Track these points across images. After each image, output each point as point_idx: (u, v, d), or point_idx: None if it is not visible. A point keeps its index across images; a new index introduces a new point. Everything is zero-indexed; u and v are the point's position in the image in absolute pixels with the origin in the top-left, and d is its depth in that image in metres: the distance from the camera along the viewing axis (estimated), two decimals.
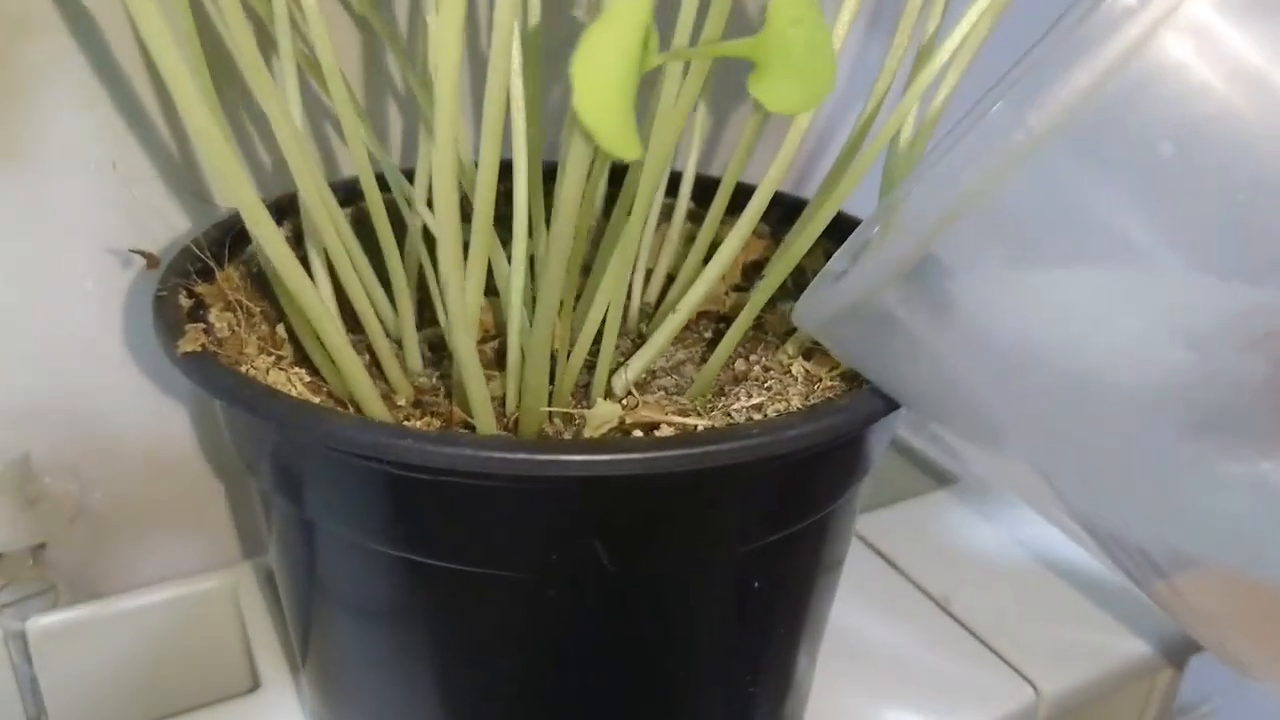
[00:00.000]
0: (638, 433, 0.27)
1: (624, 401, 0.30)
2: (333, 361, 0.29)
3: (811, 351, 0.31)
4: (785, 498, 0.28)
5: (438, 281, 0.34)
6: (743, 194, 0.33)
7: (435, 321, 0.35)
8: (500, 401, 0.29)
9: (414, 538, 0.27)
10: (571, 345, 0.29)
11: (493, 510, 0.25)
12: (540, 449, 0.23)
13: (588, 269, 0.31)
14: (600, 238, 0.32)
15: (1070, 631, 0.42)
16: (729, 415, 0.28)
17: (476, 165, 0.23)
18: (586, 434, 0.28)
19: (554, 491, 0.25)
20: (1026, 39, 0.27)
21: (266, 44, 0.30)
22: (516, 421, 0.28)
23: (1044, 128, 0.20)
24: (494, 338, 0.33)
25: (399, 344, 0.32)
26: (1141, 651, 0.42)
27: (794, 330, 0.32)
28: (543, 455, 0.22)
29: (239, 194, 0.22)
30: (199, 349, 0.27)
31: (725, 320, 0.36)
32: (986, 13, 0.28)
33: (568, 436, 0.28)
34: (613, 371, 0.31)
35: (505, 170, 0.26)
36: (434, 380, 0.32)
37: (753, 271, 0.38)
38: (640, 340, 0.35)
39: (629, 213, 0.27)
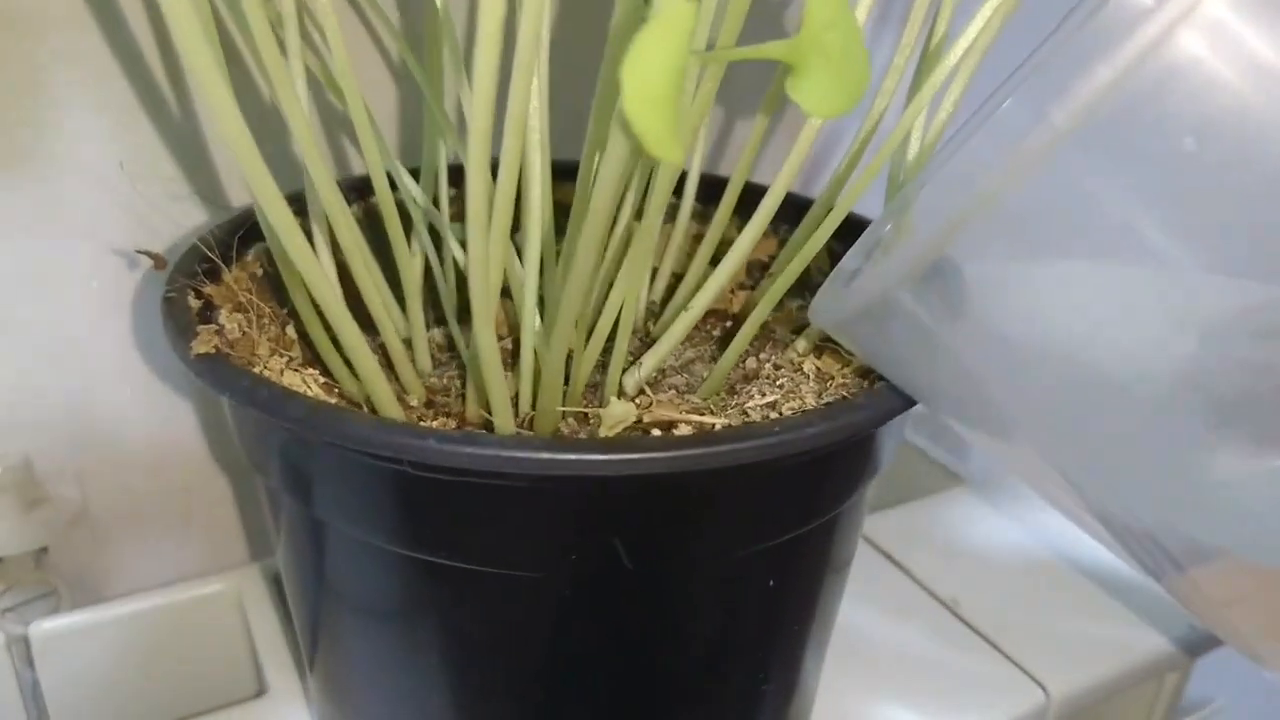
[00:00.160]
0: (656, 431, 0.27)
1: (637, 400, 0.30)
2: (345, 362, 0.29)
3: (822, 349, 0.31)
4: (802, 496, 0.28)
5: (445, 280, 0.34)
6: (749, 193, 0.33)
7: (439, 321, 0.35)
8: (513, 401, 0.29)
9: (431, 538, 0.27)
10: (585, 345, 0.29)
11: (513, 510, 0.25)
12: (566, 448, 0.23)
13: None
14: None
15: (1079, 632, 0.42)
16: (744, 414, 0.28)
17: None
18: (602, 433, 0.28)
19: (577, 491, 0.25)
20: (1029, 38, 0.27)
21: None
22: (531, 420, 0.28)
23: (1067, 124, 0.20)
24: (502, 338, 0.33)
25: (407, 344, 0.32)
26: (1150, 652, 0.42)
27: (803, 327, 0.32)
28: (569, 455, 0.22)
29: (264, 195, 0.22)
30: (212, 350, 0.27)
31: (731, 318, 0.36)
32: (997, 13, 0.28)
33: (583, 435, 0.28)
34: (624, 370, 0.31)
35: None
36: (444, 380, 0.32)
37: (757, 270, 0.38)
38: (647, 339, 0.35)
39: (637, 213, 0.27)
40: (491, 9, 0.19)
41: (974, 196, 0.22)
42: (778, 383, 0.30)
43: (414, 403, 0.30)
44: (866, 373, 0.30)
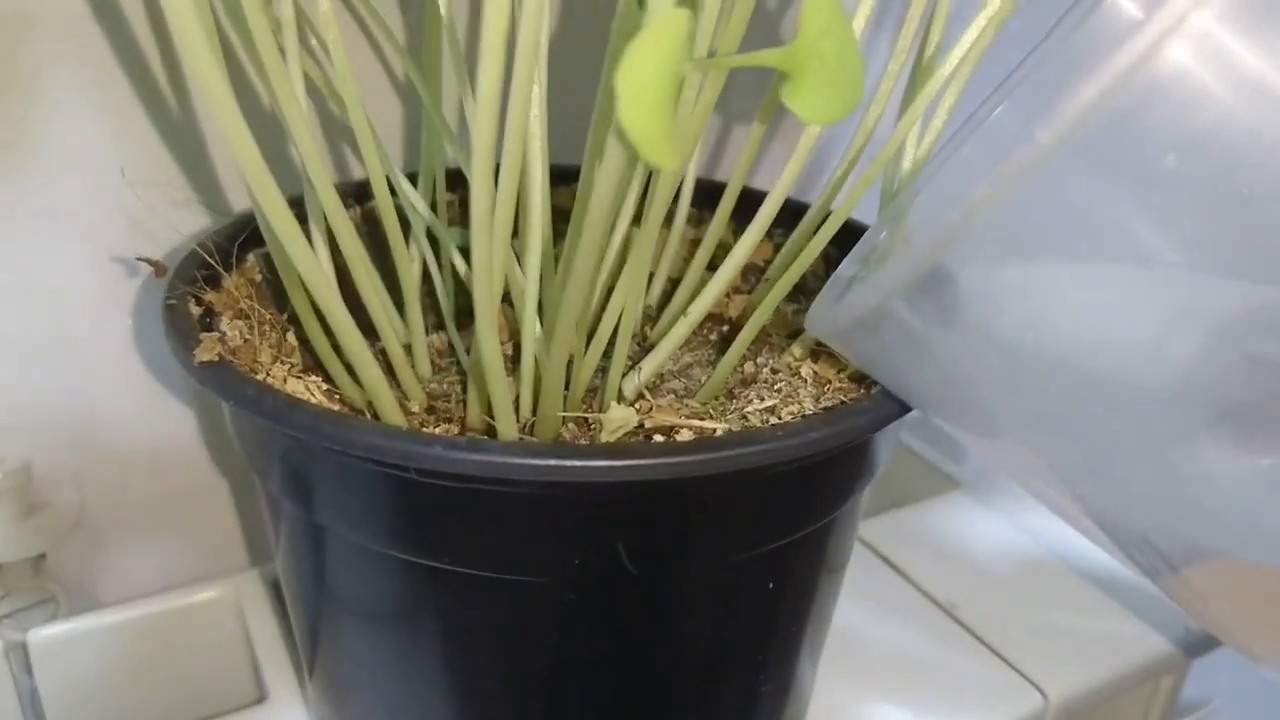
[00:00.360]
0: (658, 437, 0.27)
1: (637, 405, 0.30)
2: (347, 369, 0.30)
3: (818, 353, 0.32)
4: (802, 499, 0.28)
5: (443, 285, 0.35)
6: (745, 198, 0.34)
7: (436, 326, 0.35)
8: (513, 405, 0.30)
9: (435, 544, 0.27)
10: (585, 350, 0.29)
11: (518, 515, 0.25)
12: (573, 455, 0.23)
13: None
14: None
15: (1076, 635, 0.43)
16: (744, 418, 0.28)
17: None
18: (603, 438, 0.28)
19: (582, 497, 0.25)
20: (1025, 41, 0.27)
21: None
22: (532, 426, 0.28)
23: (1052, 143, 0.20)
24: (502, 343, 0.34)
25: (406, 349, 0.33)
26: (1147, 654, 0.42)
27: (799, 331, 0.33)
28: (577, 461, 0.23)
29: (266, 197, 0.23)
30: (216, 358, 0.27)
31: (728, 322, 0.36)
32: (991, 22, 0.29)
33: (584, 440, 0.28)
34: (623, 375, 0.31)
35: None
36: (444, 386, 0.32)
37: (753, 274, 0.38)
38: (644, 343, 0.35)
39: (636, 218, 0.28)
40: (495, 23, 0.19)
41: (965, 207, 0.22)
42: (775, 387, 0.31)
43: (415, 408, 0.30)
44: (862, 377, 0.30)
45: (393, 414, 0.28)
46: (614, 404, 0.29)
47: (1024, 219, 0.22)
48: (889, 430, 0.29)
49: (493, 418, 0.29)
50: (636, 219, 0.33)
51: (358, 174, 0.41)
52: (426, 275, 0.34)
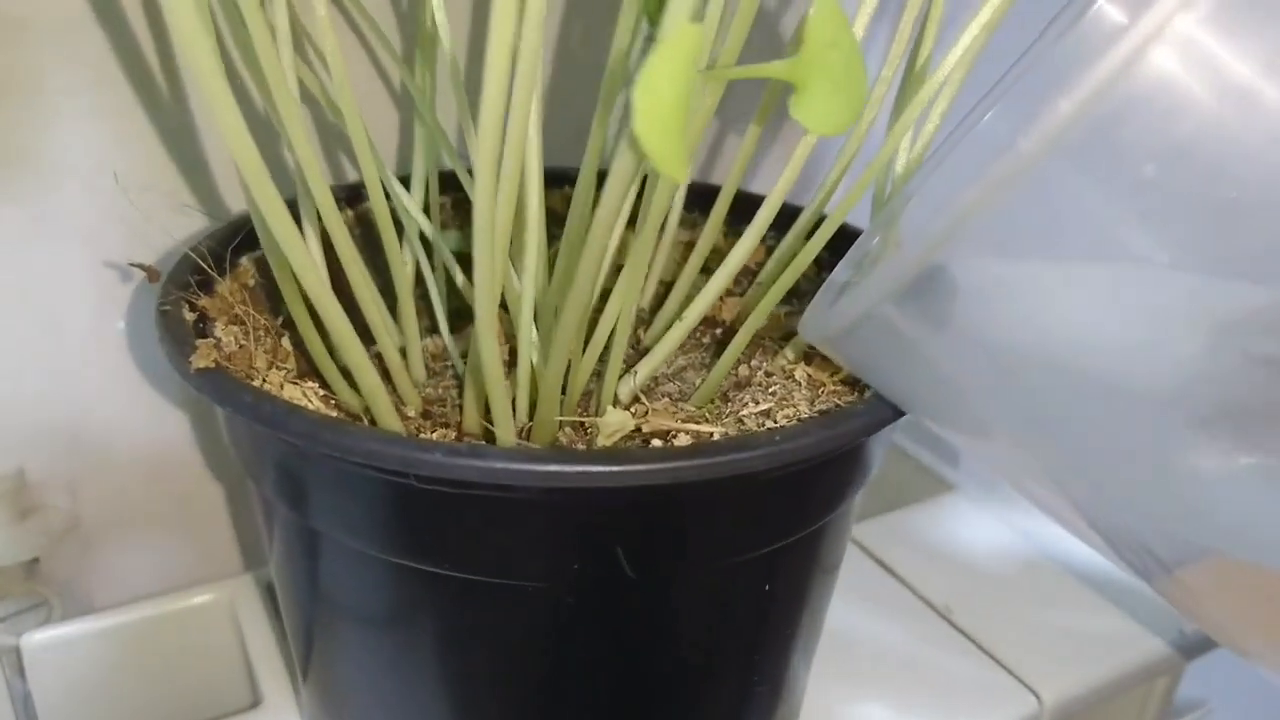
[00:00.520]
0: (656, 441, 0.27)
1: (633, 409, 0.30)
2: (343, 373, 0.30)
3: (811, 356, 0.32)
4: (799, 502, 0.28)
5: (436, 288, 0.35)
6: (737, 202, 0.34)
7: (428, 330, 0.35)
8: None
9: (433, 549, 0.27)
10: (581, 354, 0.29)
11: (517, 521, 0.26)
12: (575, 460, 0.23)
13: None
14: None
15: (1071, 637, 0.43)
16: (740, 421, 0.29)
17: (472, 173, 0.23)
18: (600, 442, 0.28)
19: (582, 502, 0.25)
20: (1022, 43, 0.27)
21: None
22: (529, 430, 0.28)
23: (1033, 152, 0.21)
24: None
25: (401, 353, 0.33)
26: (1142, 656, 0.42)
27: (792, 334, 0.33)
28: (579, 467, 0.23)
29: (265, 199, 0.23)
30: (212, 365, 0.27)
31: (720, 325, 0.36)
32: (984, 30, 0.29)
33: (581, 445, 0.29)
34: (618, 379, 0.31)
35: None
36: (440, 390, 0.32)
37: (744, 276, 0.38)
38: (637, 346, 0.35)
39: (630, 220, 0.28)
40: (501, 38, 0.19)
41: (951, 215, 0.22)
42: (770, 390, 0.31)
43: (411, 413, 0.30)
44: (856, 379, 0.30)
45: (390, 419, 0.28)
46: (610, 408, 0.29)
47: (1012, 224, 0.22)
48: (883, 433, 0.29)
49: (489, 422, 0.29)
50: (631, 222, 0.33)
51: (348, 177, 0.41)
52: (417, 279, 0.34)
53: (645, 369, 0.31)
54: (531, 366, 0.28)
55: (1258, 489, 0.23)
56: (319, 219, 0.30)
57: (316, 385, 0.30)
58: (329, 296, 0.25)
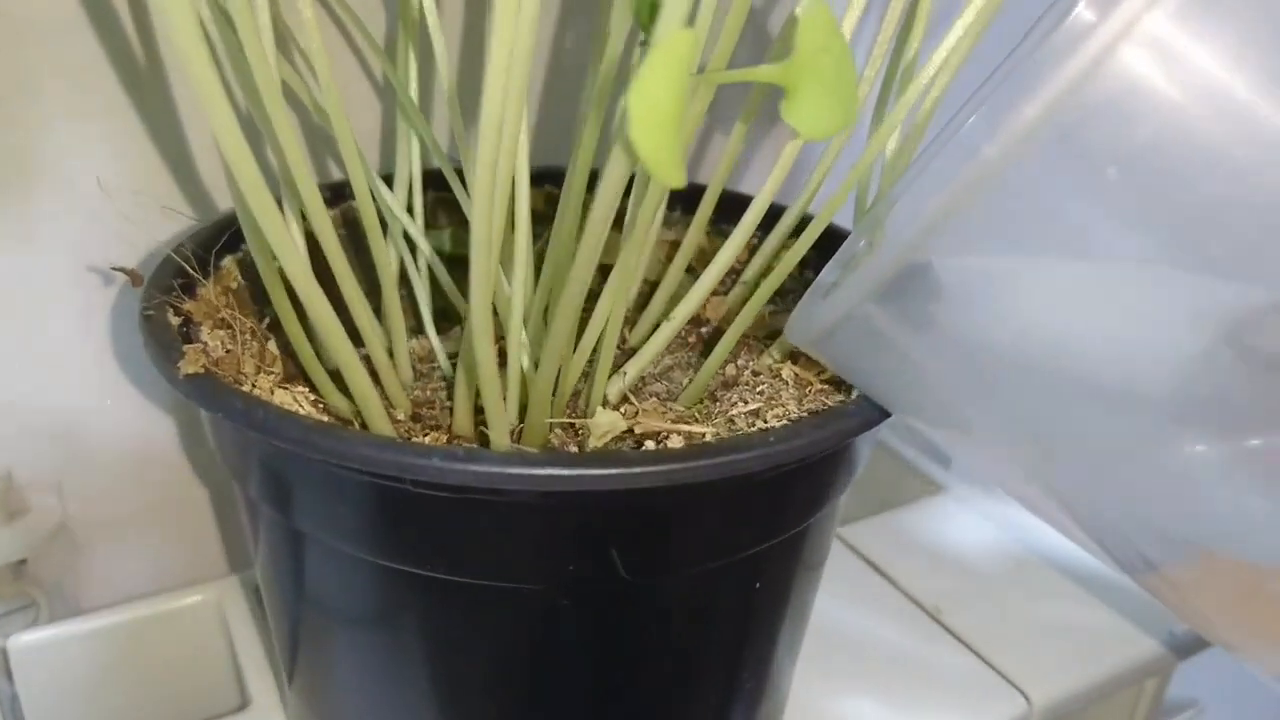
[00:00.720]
0: (649, 443, 0.27)
1: (622, 409, 0.30)
2: (331, 378, 0.29)
3: (798, 354, 0.32)
4: (789, 501, 0.28)
5: (420, 289, 0.35)
6: (721, 202, 0.34)
7: (413, 331, 0.35)
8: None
9: (425, 553, 0.27)
10: (571, 355, 0.29)
11: (512, 524, 0.26)
12: (572, 463, 0.23)
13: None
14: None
15: (1061, 638, 0.43)
16: (731, 422, 0.29)
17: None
18: (591, 444, 0.28)
19: (579, 504, 0.25)
20: (1010, 43, 0.28)
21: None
22: (519, 432, 0.28)
23: (998, 158, 0.21)
24: None
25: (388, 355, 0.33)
26: (1132, 657, 0.42)
27: (777, 332, 0.33)
28: (576, 470, 0.23)
29: (259, 204, 0.22)
30: (201, 370, 0.27)
31: (705, 324, 0.37)
32: (968, 33, 0.29)
33: (572, 447, 0.29)
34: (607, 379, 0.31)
35: None
36: (428, 392, 0.32)
37: (728, 275, 0.39)
38: (624, 346, 0.35)
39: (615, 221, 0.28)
40: (502, 43, 0.20)
41: (927, 216, 0.23)
42: (758, 389, 0.31)
43: (400, 416, 0.30)
44: (842, 379, 0.30)
45: (381, 423, 0.28)
46: (600, 409, 0.29)
47: (986, 225, 0.23)
48: (871, 432, 0.29)
49: (479, 425, 0.29)
50: (617, 222, 0.33)
51: (327, 176, 0.41)
52: (401, 279, 0.34)
53: (634, 369, 0.31)
54: (521, 368, 0.28)
55: (1238, 485, 0.23)
56: (303, 219, 0.30)
57: (306, 389, 0.29)
58: (319, 297, 0.25)
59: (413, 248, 0.34)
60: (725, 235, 0.39)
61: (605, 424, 0.28)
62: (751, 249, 0.38)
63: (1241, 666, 0.27)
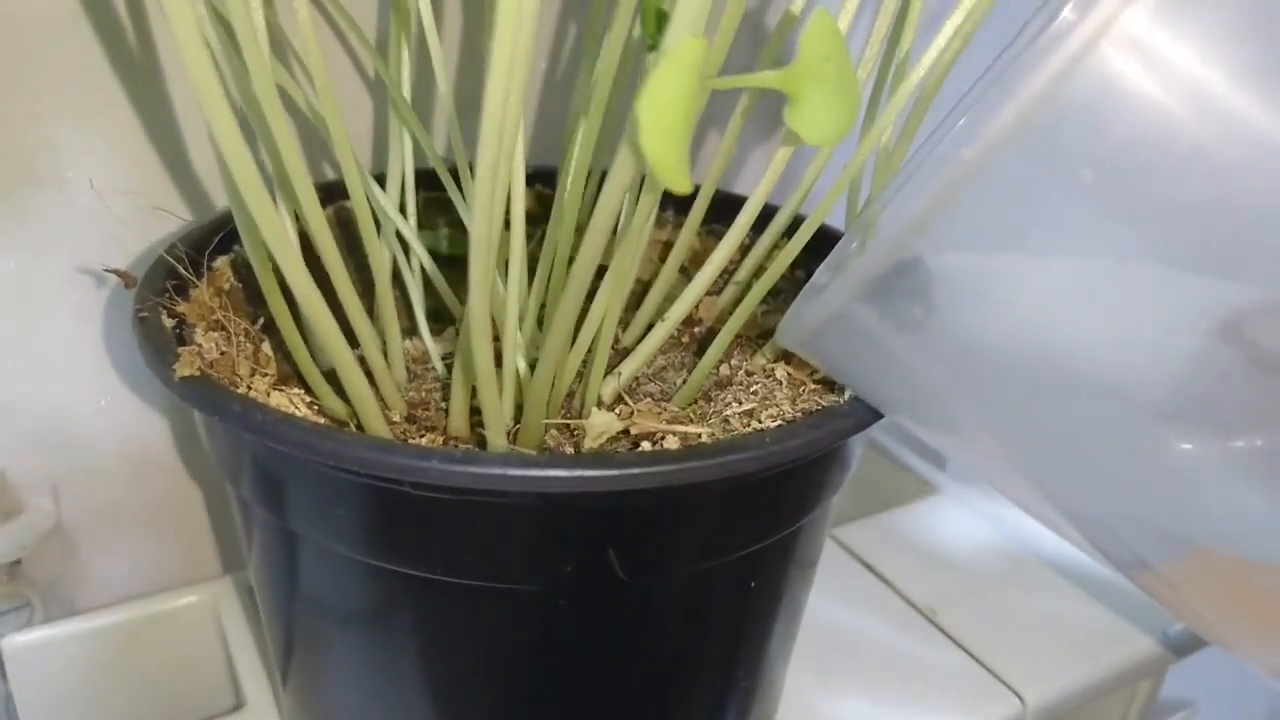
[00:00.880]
0: (645, 443, 0.27)
1: (616, 410, 0.30)
2: (326, 380, 0.29)
3: (790, 355, 0.32)
4: (785, 500, 0.29)
5: (414, 290, 0.35)
6: (714, 202, 0.34)
7: (406, 332, 0.35)
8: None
9: (423, 554, 0.27)
10: (566, 356, 0.29)
11: (511, 525, 0.26)
12: (572, 465, 0.23)
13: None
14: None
15: (1055, 640, 0.43)
16: (726, 422, 0.29)
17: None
18: (586, 444, 0.28)
19: (577, 505, 0.25)
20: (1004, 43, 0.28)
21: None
22: (515, 434, 0.29)
23: (976, 160, 0.21)
24: None
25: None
26: (1125, 659, 0.42)
27: (769, 332, 0.33)
28: (576, 471, 0.23)
29: (257, 205, 0.22)
30: (197, 373, 0.27)
31: (697, 324, 0.37)
32: (958, 34, 0.29)
33: (568, 447, 0.29)
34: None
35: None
36: (422, 393, 0.32)
37: (720, 275, 0.39)
38: (616, 346, 0.36)
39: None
40: (503, 49, 0.20)
41: (911, 216, 0.23)
42: (752, 389, 0.31)
43: (396, 417, 0.30)
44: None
45: (378, 425, 0.28)
46: (595, 409, 0.29)
47: (969, 225, 0.23)
48: (866, 431, 0.29)
49: (474, 426, 0.29)
50: None
51: (318, 177, 0.41)
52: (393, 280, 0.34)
53: (629, 370, 0.31)
54: (516, 369, 0.29)
55: (1228, 481, 0.24)
56: (296, 219, 0.30)
57: (301, 391, 0.30)
58: (316, 296, 0.25)
59: (405, 248, 0.34)
60: (716, 235, 0.39)
61: (601, 425, 0.28)
62: (743, 249, 0.38)
63: (1235, 667, 0.27)
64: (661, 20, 0.21)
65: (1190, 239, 0.22)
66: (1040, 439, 0.26)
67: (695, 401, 0.31)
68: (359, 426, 0.29)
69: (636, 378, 0.33)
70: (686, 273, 0.38)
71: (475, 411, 0.29)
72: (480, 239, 0.22)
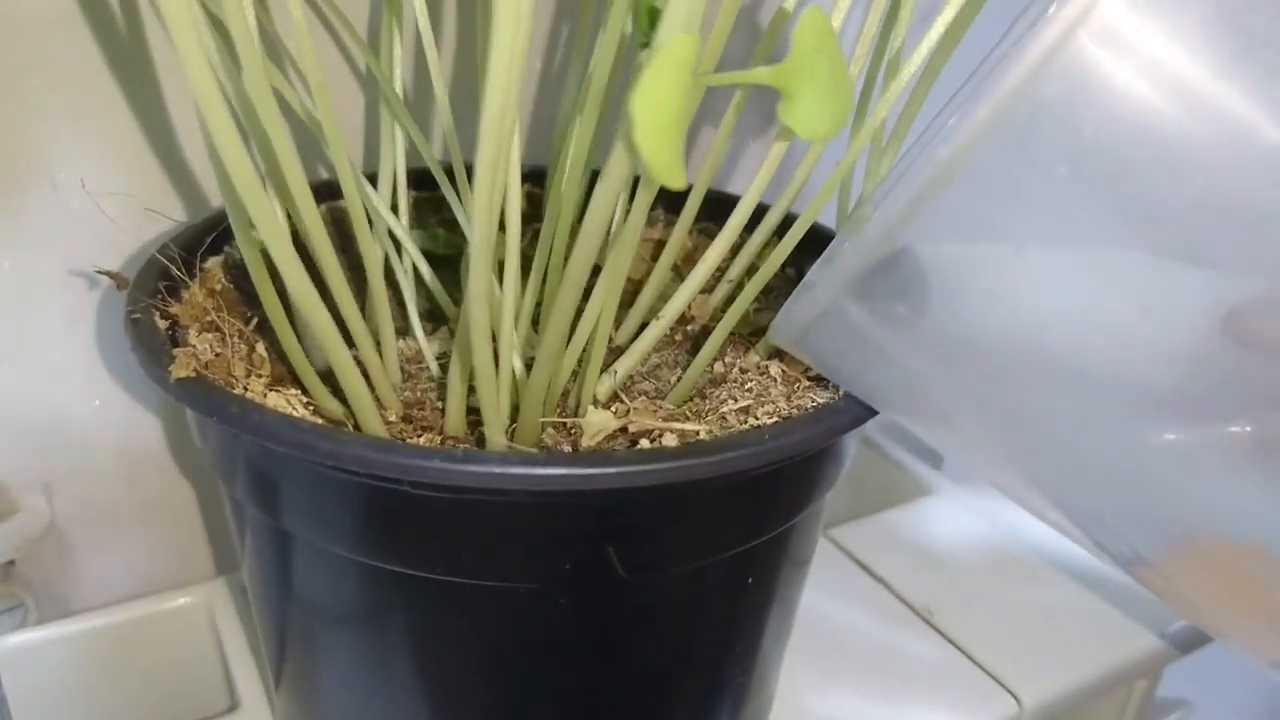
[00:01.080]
0: (644, 441, 0.28)
1: (612, 408, 0.30)
2: (323, 380, 0.29)
3: (783, 352, 0.32)
4: (782, 497, 0.29)
5: (406, 289, 0.35)
6: (706, 201, 0.34)
7: (400, 333, 0.35)
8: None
9: (422, 553, 0.27)
10: (562, 354, 0.29)
11: (511, 523, 0.26)
12: (573, 463, 0.23)
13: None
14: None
15: (1051, 641, 0.43)
16: (723, 419, 0.29)
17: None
18: (584, 443, 0.28)
19: (579, 503, 0.25)
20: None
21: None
22: (512, 433, 0.29)
23: (951, 158, 0.21)
24: None
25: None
26: (1121, 659, 0.42)
27: (761, 329, 0.33)
28: (577, 469, 0.23)
29: (256, 206, 0.22)
30: (193, 374, 0.27)
31: (690, 322, 0.37)
32: (950, 32, 0.30)
33: (566, 446, 0.29)
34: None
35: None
36: (417, 393, 0.32)
37: (713, 273, 0.39)
38: (610, 344, 0.36)
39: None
40: (502, 48, 0.20)
41: (894, 213, 0.23)
42: (746, 386, 0.31)
43: (392, 417, 0.30)
44: None
45: (375, 425, 0.28)
46: (591, 408, 0.29)
47: (953, 219, 0.23)
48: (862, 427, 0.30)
49: (471, 426, 0.29)
50: None
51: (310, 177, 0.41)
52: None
53: (624, 368, 0.31)
54: (512, 368, 0.29)
55: (1220, 469, 0.24)
56: (289, 219, 0.30)
57: (297, 391, 0.29)
58: (312, 294, 0.25)
59: (398, 247, 0.34)
60: (708, 234, 0.39)
61: (598, 423, 0.28)
62: (735, 248, 0.38)
63: (1232, 667, 0.27)
64: (654, 17, 0.21)
65: (1176, 230, 0.22)
66: (1030, 431, 0.26)
67: (690, 399, 0.31)
68: (355, 427, 0.29)
69: (630, 376, 0.33)
70: (678, 271, 0.38)
71: (471, 411, 0.29)
72: (481, 237, 0.22)
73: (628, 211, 0.27)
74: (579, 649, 0.29)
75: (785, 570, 0.32)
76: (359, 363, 0.30)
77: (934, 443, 0.30)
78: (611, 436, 0.29)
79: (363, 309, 0.32)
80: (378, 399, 0.30)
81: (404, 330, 0.35)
